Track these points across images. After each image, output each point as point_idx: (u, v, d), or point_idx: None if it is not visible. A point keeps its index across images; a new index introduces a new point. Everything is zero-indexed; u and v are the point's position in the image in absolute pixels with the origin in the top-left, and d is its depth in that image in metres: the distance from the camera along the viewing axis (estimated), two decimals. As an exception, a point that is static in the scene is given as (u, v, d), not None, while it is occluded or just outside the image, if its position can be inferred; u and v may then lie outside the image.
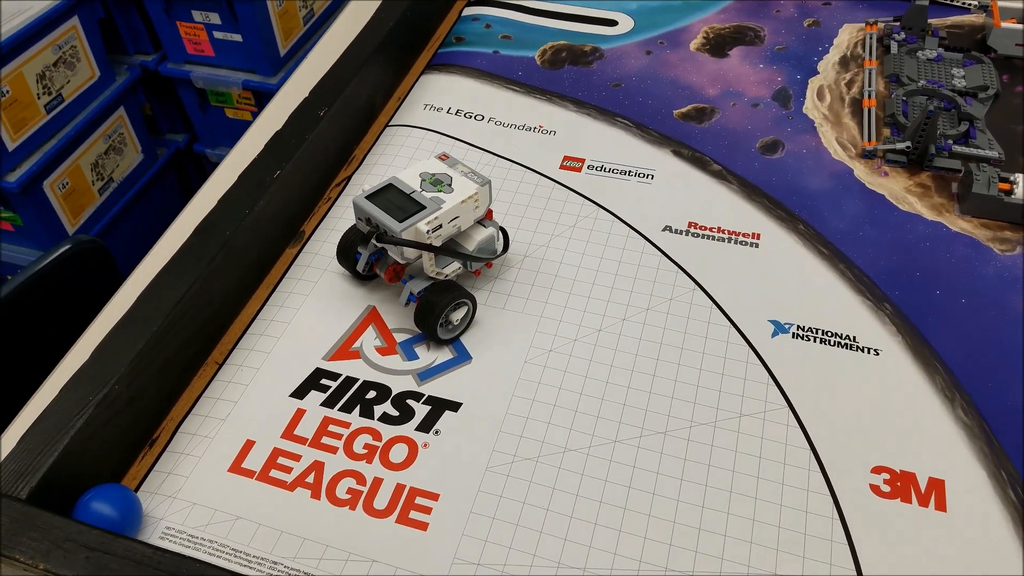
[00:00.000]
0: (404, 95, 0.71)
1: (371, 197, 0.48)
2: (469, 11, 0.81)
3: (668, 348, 0.50)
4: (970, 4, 0.77)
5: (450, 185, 0.49)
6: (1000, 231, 0.57)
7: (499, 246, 0.53)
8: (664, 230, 0.58)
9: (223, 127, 1.44)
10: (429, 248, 0.47)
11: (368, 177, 0.62)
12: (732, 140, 0.65)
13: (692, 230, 0.58)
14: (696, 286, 0.54)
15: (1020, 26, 0.71)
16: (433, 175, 0.50)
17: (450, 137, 0.66)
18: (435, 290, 0.48)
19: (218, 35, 1.30)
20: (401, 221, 0.46)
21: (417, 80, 0.72)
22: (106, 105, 1.29)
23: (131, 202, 1.38)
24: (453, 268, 0.50)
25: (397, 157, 0.64)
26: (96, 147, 1.28)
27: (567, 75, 0.73)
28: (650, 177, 0.62)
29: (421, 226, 0.46)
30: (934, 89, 0.67)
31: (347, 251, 0.52)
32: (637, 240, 0.57)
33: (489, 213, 0.52)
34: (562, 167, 0.63)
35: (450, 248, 0.49)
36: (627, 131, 0.67)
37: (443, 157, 0.52)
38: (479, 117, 0.68)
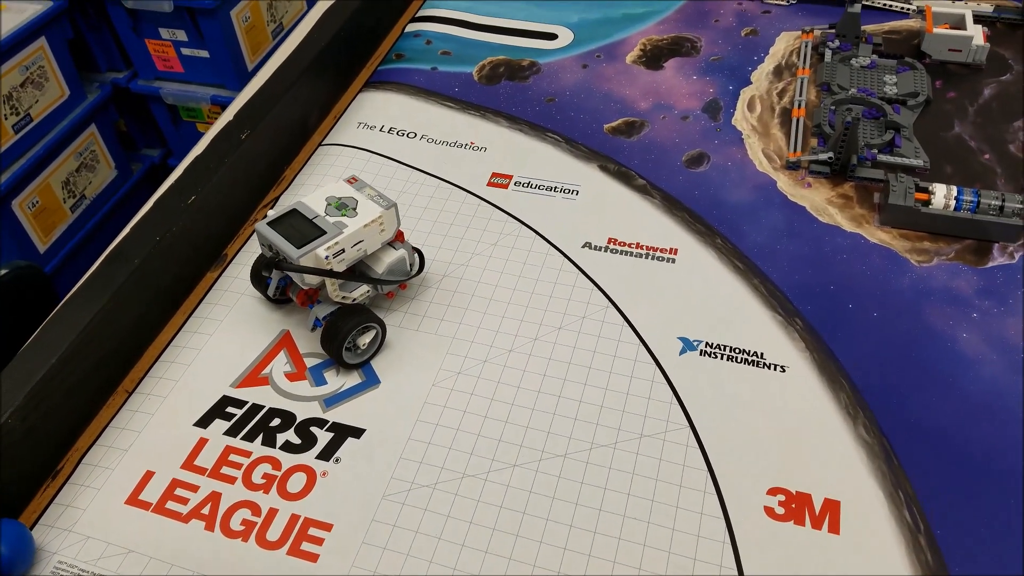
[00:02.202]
0: (340, 113, 0.71)
1: (273, 223, 0.49)
2: (412, 27, 0.81)
3: (576, 368, 0.50)
4: (907, 8, 0.77)
5: (355, 209, 0.50)
6: (919, 241, 0.57)
7: (414, 267, 0.54)
8: (584, 247, 0.58)
9: (196, 142, 1.45)
10: (329, 274, 0.48)
11: (296, 198, 0.63)
12: (659, 154, 0.65)
13: (611, 246, 0.58)
14: (610, 304, 0.54)
15: (953, 31, 0.71)
16: (339, 199, 0.50)
17: (381, 156, 0.66)
18: (342, 314, 0.49)
19: (186, 52, 1.31)
20: (299, 247, 0.47)
21: (354, 98, 0.73)
22: (77, 123, 1.30)
23: (105, 218, 1.39)
24: (361, 292, 0.51)
25: (326, 177, 0.65)
26: (67, 165, 1.30)
27: (503, 90, 0.73)
28: (575, 193, 0.62)
29: (320, 251, 0.47)
30: (863, 98, 0.67)
31: (259, 276, 0.53)
32: (556, 258, 0.58)
33: (400, 235, 0.52)
34: (490, 184, 0.64)
35: (353, 272, 0.50)
36: (556, 146, 0.67)
37: (351, 180, 0.52)
38: (412, 135, 0.68)
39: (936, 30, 0.71)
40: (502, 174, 0.64)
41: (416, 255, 0.54)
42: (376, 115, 0.70)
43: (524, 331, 0.52)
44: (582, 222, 0.60)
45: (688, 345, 0.51)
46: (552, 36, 0.79)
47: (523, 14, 0.82)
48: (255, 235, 0.60)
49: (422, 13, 0.83)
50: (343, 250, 0.48)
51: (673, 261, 0.57)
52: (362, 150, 0.67)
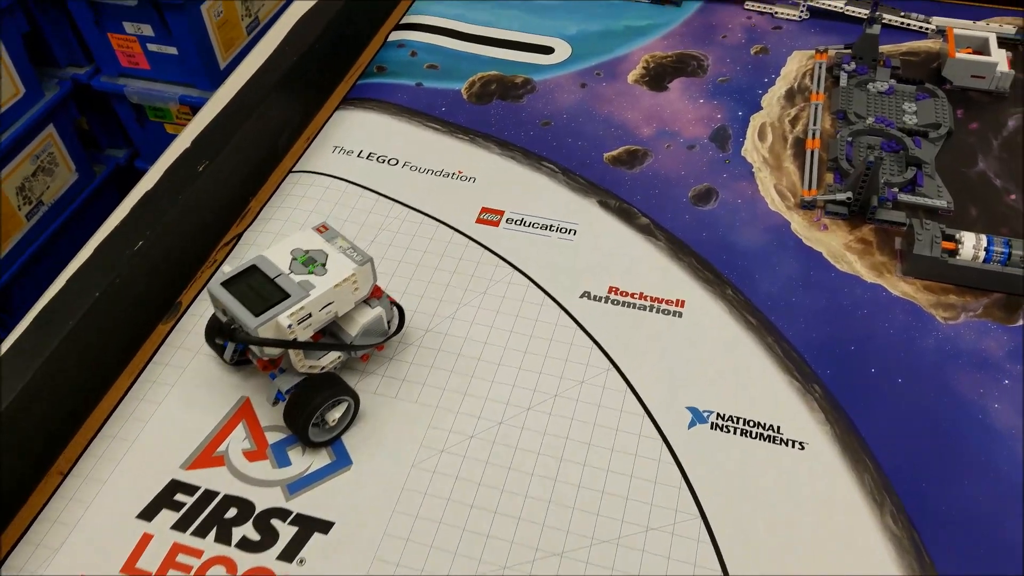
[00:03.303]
0: (314, 134, 0.65)
1: (229, 283, 0.42)
2: (396, 36, 0.75)
3: (574, 444, 0.45)
4: (926, 28, 0.72)
5: (324, 265, 0.44)
6: (944, 295, 0.52)
7: (393, 324, 0.48)
8: (582, 296, 0.53)
9: (165, 143, 1.37)
10: (292, 345, 0.42)
11: (260, 235, 0.57)
12: (663, 188, 0.60)
13: (612, 296, 0.53)
14: (611, 366, 0.49)
15: (976, 57, 0.66)
16: (306, 252, 0.44)
17: (359, 186, 0.60)
18: (308, 387, 0.43)
19: (152, 47, 1.23)
20: (258, 314, 0.41)
21: (331, 117, 0.67)
22: (33, 123, 1.22)
23: (65, 225, 1.31)
24: (331, 358, 0.45)
25: (296, 210, 0.58)
26: (22, 169, 1.21)
27: (494, 111, 0.67)
28: (572, 232, 0.57)
29: (282, 319, 0.41)
30: (882, 128, 0.62)
31: (213, 337, 0.47)
32: (552, 309, 0.52)
33: (377, 290, 0.46)
34: (479, 220, 0.58)
35: (322, 341, 0.44)
36: (552, 177, 0.61)
37: (321, 229, 0.46)
38: (393, 161, 0.62)
39: (959, 55, 0.66)
40: (493, 209, 0.59)
41: (395, 310, 0.48)
42: (354, 137, 0.64)
43: (516, 399, 0.47)
44: (581, 267, 0.54)
45: (698, 417, 0.46)
46: (548, 50, 0.73)
47: (517, 24, 0.75)
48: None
49: (407, 20, 0.76)
50: (309, 315, 0.42)
51: (680, 315, 0.51)
52: (337, 179, 0.61)
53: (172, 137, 1.41)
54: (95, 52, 1.28)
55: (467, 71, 0.70)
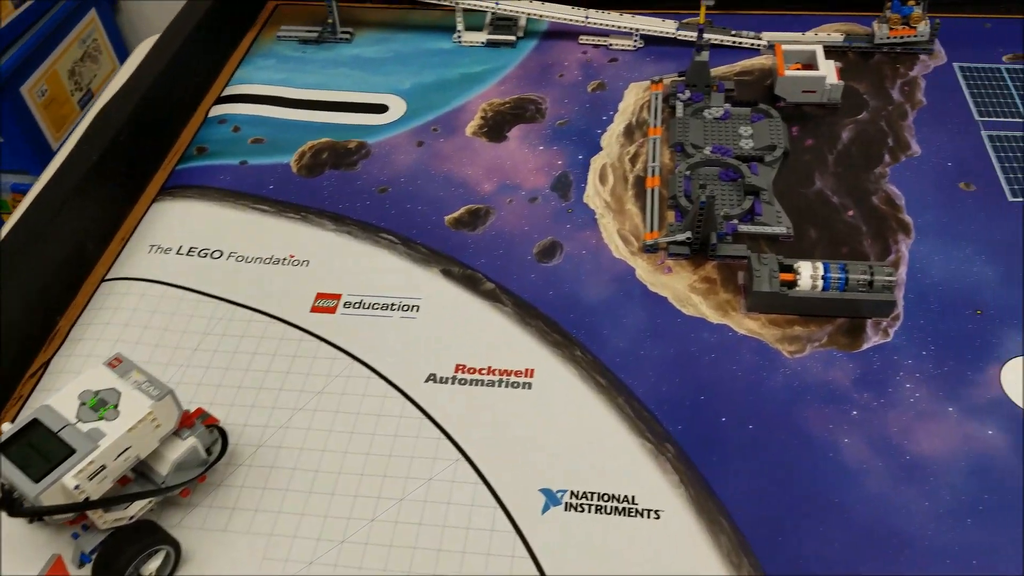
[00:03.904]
0: (128, 235, 0.60)
1: (7, 446, 0.38)
2: (217, 110, 0.70)
3: (423, 554, 0.42)
4: (758, 45, 0.73)
5: (116, 407, 0.39)
6: (789, 327, 0.52)
7: (214, 450, 0.44)
8: (428, 380, 0.50)
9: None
10: (83, 507, 0.37)
11: (71, 360, 0.52)
12: (508, 247, 0.58)
13: (459, 375, 0.50)
14: (460, 455, 0.46)
15: (805, 72, 0.67)
16: (96, 394, 0.40)
17: (178, 287, 0.55)
18: (115, 543, 0.39)
19: (-25, 136, 1.14)
20: (38, 480, 0.36)
21: (146, 212, 0.62)
22: None
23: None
24: (141, 505, 0.41)
25: (110, 325, 0.53)
26: None
27: (327, 182, 0.63)
28: (415, 309, 0.54)
29: (67, 481, 0.37)
30: (718, 159, 0.61)
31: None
32: (396, 401, 0.49)
33: (188, 418, 0.42)
34: (314, 309, 0.54)
35: (122, 494, 0.39)
36: (392, 249, 0.58)
37: (114, 363, 0.41)
38: (217, 253, 0.58)
39: (788, 72, 0.67)
40: (328, 294, 0.55)
41: (216, 433, 0.44)
42: (172, 233, 0.59)
43: (359, 511, 0.44)
44: (425, 348, 0.52)
45: (552, 499, 0.44)
46: (383, 108, 0.70)
47: (348, 83, 0.72)
48: (24, 414, 0.48)
49: (228, 92, 0.72)
50: (103, 467, 0.38)
51: (529, 387, 0.49)
52: (155, 283, 0.56)
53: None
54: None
55: (296, 141, 0.66)
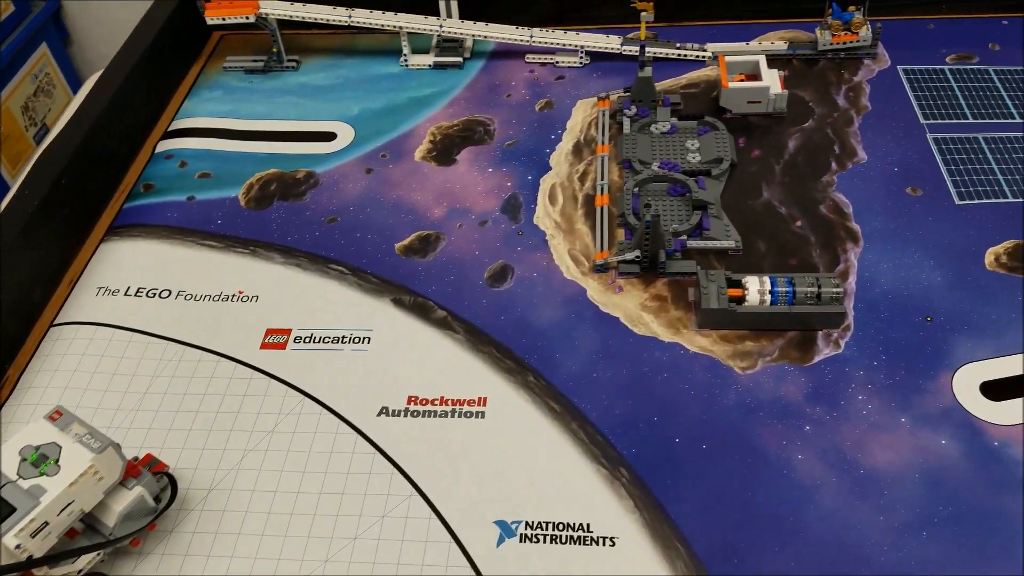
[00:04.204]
0: (76, 278, 0.59)
1: (-58, 511, 0.37)
2: (163, 146, 0.69)
3: (375, 594, 0.42)
4: (703, 57, 0.73)
5: (57, 461, 0.39)
6: (740, 342, 0.52)
7: (163, 497, 0.43)
8: (380, 414, 0.49)
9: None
10: (29, 565, 0.37)
11: (20, 409, 0.50)
12: (459, 273, 0.58)
13: (412, 407, 0.50)
14: (414, 490, 0.46)
15: (748, 84, 0.68)
16: (37, 449, 0.39)
17: (127, 330, 0.55)
18: (58, 603, 0.38)
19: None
20: (-26, 544, 0.36)
21: (93, 254, 0.61)
22: None
23: None
24: (88, 559, 0.40)
25: (58, 372, 0.52)
26: None
27: (276, 214, 0.63)
28: (367, 341, 0.54)
29: (7, 540, 0.36)
30: (665, 174, 0.62)
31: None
32: (348, 437, 0.49)
33: (133, 468, 0.42)
34: (264, 346, 0.54)
35: (66, 550, 0.38)
36: (342, 280, 0.58)
37: (54, 416, 0.41)
38: (164, 293, 0.57)
39: (732, 84, 0.68)
40: (278, 329, 0.55)
41: (165, 479, 0.44)
42: (120, 274, 0.58)
43: (312, 552, 0.43)
44: (376, 381, 0.51)
45: (506, 531, 0.44)
46: (331, 136, 0.69)
47: (295, 112, 0.72)
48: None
49: (175, 126, 0.71)
50: (45, 523, 0.37)
51: (483, 416, 0.49)
52: (103, 326, 0.55)
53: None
54: None
55: (244, 174, 0.66)
